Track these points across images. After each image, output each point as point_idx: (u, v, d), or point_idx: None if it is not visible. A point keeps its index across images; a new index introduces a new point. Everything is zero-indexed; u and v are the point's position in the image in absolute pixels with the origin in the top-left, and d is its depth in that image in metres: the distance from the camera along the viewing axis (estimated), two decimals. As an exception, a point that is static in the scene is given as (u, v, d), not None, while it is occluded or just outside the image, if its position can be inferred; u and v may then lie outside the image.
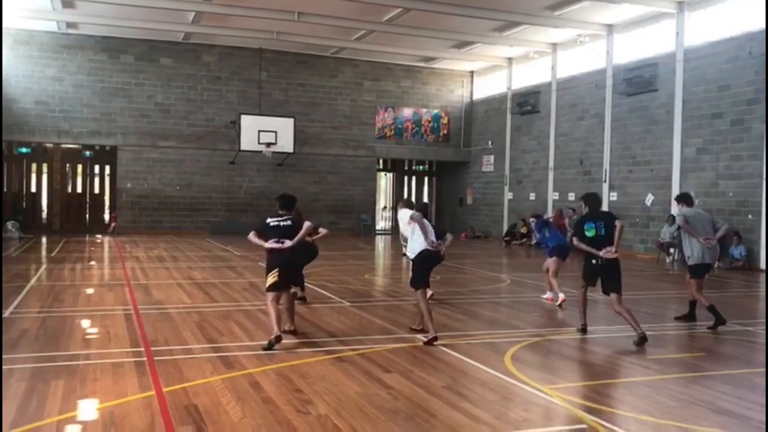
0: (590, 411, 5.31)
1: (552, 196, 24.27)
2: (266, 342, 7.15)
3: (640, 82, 20.14)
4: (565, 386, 6.05)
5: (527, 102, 25.54)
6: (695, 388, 6.09)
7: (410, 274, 8.26)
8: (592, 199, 8.52)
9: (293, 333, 7.77)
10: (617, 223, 8.06)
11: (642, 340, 7.65)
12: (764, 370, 6.72)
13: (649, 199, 20.03)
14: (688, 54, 18.78)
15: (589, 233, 8.10)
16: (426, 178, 32.42)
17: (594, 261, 8.08)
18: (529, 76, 26.10)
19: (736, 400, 5.73)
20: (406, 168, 31.77)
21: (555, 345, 7.91)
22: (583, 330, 8.33)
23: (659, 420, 5.16)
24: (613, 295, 7.99)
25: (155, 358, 6.68)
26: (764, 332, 8.68)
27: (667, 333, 8.72)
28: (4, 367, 6.06)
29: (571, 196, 22.73)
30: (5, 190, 24.40)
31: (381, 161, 30.41)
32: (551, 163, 24.40)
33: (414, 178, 32.30)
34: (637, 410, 5.42)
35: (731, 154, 17.53)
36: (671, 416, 5.26)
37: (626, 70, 20.75)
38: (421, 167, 32.05)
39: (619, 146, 21.28)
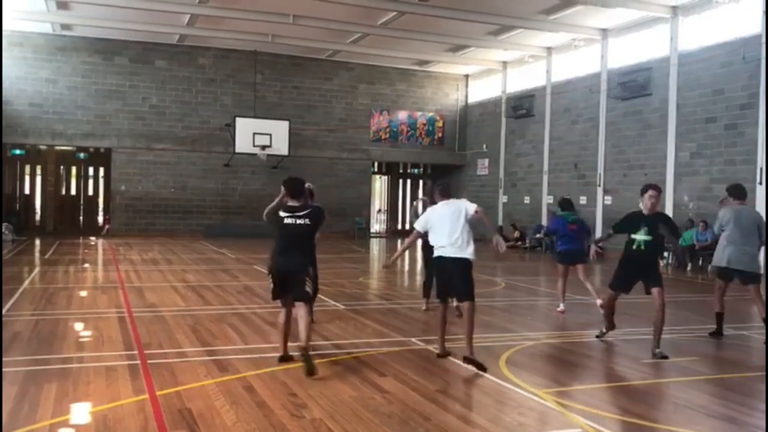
0: (585, 415, 5.30)
1: (546, 199, 24.30)
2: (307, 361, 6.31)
3: (634, 86, 20.20)
4: (559, 390, 6.04)
5: (522, 106, 25.59)
6: (690, 392, 6.10)
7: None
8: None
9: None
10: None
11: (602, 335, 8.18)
12: (759, 374, 6.73)
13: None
14: (683, 58, 18.85)
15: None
16: (421, 182, 32.42)
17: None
18: (523, 79, 26.15)
19: (731, 405, 5.74)
20: (401, 171, 31.78)
21: (549, 349, 7.90)
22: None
23: (654, 424, 5.16)
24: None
25: (149, 361, 6.65)
26: (759, 336, 8.69)
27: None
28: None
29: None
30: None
31: (376, 164, 30.40)
32: (546, 167, 24.44)
33: (409, 181, 32.32)
34: (632, 414, 5.41)
35: (725, 159, 17.59)
36: (666, 420, 5.26)
37: (620, 75, 20.81)
38: (416, 170, 32.06)
39: (614, 150, 21.33)
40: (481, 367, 6.48)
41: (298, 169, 26.72)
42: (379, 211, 31.57)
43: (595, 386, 6.32)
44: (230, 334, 8.09)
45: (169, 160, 25.83)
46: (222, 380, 6.03)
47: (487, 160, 28.16)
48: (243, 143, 24.74)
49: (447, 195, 7.23)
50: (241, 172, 26.52)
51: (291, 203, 6.73)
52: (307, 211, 6.72)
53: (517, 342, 7.98)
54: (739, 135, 17.23)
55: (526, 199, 25.54)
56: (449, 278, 6.94)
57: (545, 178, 24.43)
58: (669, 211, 19.12)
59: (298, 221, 6.62)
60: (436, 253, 7.02)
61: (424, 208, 7.86)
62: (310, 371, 6.11)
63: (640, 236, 7.46)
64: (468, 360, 6.62)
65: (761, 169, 16.48)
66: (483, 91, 28.93)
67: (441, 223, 6.96)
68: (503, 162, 27.05)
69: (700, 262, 17.84)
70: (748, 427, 5.23)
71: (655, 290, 7.46)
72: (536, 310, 11.02)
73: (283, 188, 6.83)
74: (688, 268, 17.98)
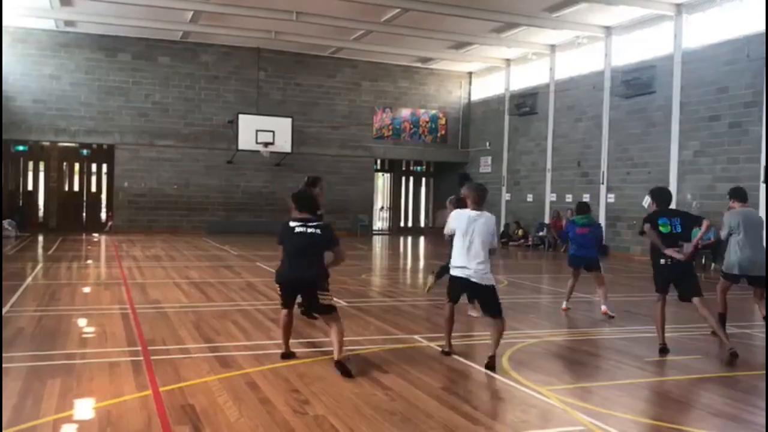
0: (587, 413, 5.30)
1: (549, 197, 24.28)
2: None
3: (638, 84, 20.16)
4: (562, 388, 6.04)
5: (525, 103, 25.55)
6: (692, 390, 6.09)
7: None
8: (660, 194, 7.75)
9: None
10: (704, 222, 7.40)
11: (732, 358, 7.13)
12: (762, 372, 6.72)
13: (647, 201, 19.97)
14: (686, 56, 18.80)
15: (664, 229, 7.42)
16: (423, 179, 32.43)
17: (663, 261, 7.46)
18: (527, 77, 26.12)
19: (733, 403, 5.73)
20: (403, 168, 31.79)
21: (552, 347, 7.90)
22: (663, 350, 7.44)
23: (656, 422, 5.16)
24: (695, 299, 7.51)
25: (152, 357, 6.66)
26: (761, 335, 8.68)
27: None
28: (-1, 365, 6.04)
29: (569, 198, 22.75)
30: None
31: (379, 162, 30.41)
32: (549, 165, 24.42)
33: (411, 178, 32.32)
34: (635, 412, 5.41)
35: (729, 157, 17.56)
36: (669, 418, 5.25)
37: (624, 73, 20.77)
38: (418, 168, 32.06)
39: (617, 148, 21.30)
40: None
41: (301, 166, 26.82)
42: (382, 208, 31.58)
43: (598, 384, 6.31)
44: (233, 331, 8.10)
45: (172, 156, 25.85)
46: (225, 376, 6.04)
47: (490, 158, 28.14)
48: (246, 140, 24.76)
49: (480, 205, 6.75)
50: (244, 169, 26.53)
51: (300, 215, 6.70)
52: (318, 223, 6.69)
53: (520, 340, 7.98)
54: (743, 133, 17.20)
55: (529, 197, 25.52)
56: (467, 293, 6.97)
57: (548, 176, 24.41)
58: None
59: (309, 230, 6.54)
60: (455, 273, 6.72)
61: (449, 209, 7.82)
62: (347, 374, 6.13)
63: None
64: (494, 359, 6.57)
65: (765, 167, 16.44)
66: (486, 88, 28.89)
67: (465, 240, 6.60)
68: (506, 160, 27.03)
69: (703, 260, 17.81)
70: (751, 425, 5.22)
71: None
72: (539, 308, 11.03)
73: (291, 202, 6.82)
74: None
